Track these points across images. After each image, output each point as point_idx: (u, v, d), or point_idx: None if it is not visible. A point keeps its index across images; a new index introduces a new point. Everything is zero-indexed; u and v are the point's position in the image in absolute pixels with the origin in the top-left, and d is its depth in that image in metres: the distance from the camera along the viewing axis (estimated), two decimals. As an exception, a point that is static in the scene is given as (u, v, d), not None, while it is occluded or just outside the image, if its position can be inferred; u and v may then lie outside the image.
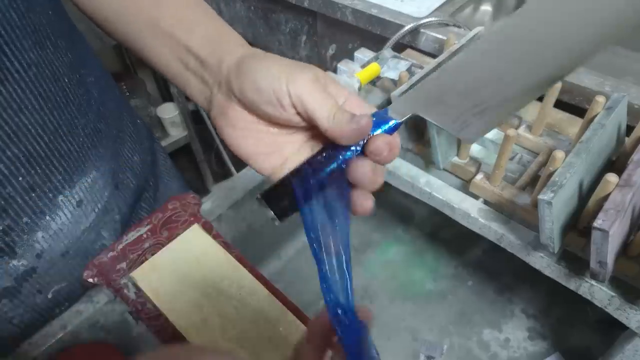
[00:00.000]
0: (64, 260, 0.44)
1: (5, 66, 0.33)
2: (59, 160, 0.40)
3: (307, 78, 0.28)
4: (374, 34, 0.83)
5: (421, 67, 0.59)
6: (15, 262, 0.40)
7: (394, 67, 0.61)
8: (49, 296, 0.45)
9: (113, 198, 0.46)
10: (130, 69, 1.60)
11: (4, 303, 0.42)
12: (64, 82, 0.38)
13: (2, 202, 0.37)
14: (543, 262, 0.45)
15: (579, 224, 0.43)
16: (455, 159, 0.51)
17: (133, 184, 0.50)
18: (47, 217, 0.40)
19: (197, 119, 1.53)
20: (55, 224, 0.41)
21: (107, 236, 0.47)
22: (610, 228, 0.35)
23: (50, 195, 0.40)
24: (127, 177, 0.49)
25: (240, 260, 0.46)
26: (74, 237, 0.43)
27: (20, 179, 0.37)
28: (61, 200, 0.41)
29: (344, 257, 0.28)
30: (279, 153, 0.32)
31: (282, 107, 0.29)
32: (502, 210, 0.48)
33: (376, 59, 0.63)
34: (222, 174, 1.76)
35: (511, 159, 0.53)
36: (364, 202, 0.29)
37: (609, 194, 0.39)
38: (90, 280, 0.44)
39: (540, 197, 0.38)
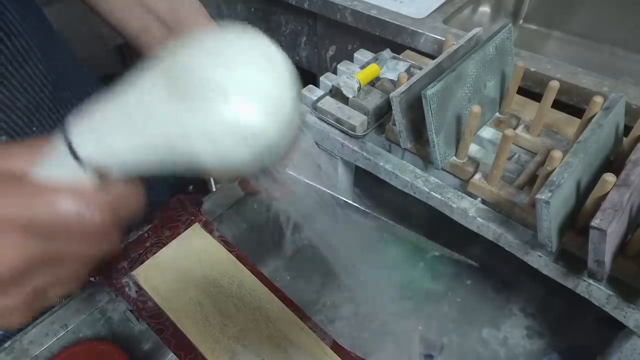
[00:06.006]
0: None
1: (9, 19, 0.35)
2: (64, 109, 0.43)
3: None
4: (373, 35, 0.83)
5: (420, 68, 0.59)
6: None
7: (393, 68, 0.61)
8: None
9: None
10: (130, 70, 1.60)
11: None
12: (58, 35, 0.41)
13: None
14: (541, 261, 0.45)
15: (576, 224, 0.43)
16: (454, 159, 0.52)
17: None
18: None
19: (197, 120, 1.53)
20: None
21: None
22: (608, 227, 0.36)
23: None
24: None
25: (240, 259, 0.46)
26: None
27: (34, 129, 0.39)
28: None
29: None
30: None
31: None
32: (500, 209, 0.48)
33: (375, 60, 0.64)
34: (222, 175, 1.76)
35: (509, 158, 0.54)
36: None
37: (606, 194, 0.39)
38: (92, 279, 0.45)
39: (537, 196, 0.38)
